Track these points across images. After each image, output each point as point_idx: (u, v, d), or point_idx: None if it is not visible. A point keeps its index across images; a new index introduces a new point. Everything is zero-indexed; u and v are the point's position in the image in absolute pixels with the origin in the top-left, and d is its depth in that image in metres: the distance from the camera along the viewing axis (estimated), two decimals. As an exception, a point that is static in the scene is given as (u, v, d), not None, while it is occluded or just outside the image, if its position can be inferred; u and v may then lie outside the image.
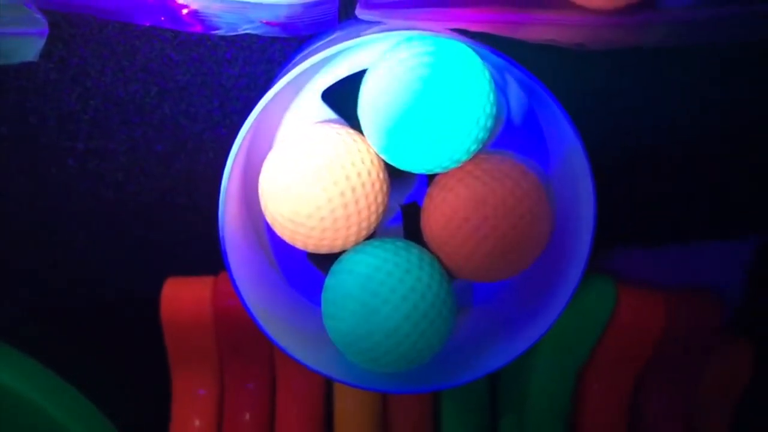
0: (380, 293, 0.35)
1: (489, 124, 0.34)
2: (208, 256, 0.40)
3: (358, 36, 0.35)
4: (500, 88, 0.38)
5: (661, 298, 0.43)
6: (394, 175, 0.38)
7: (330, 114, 0.39)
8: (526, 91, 0.38)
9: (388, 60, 0.35)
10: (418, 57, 0.34)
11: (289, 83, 0.35)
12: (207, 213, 0.41)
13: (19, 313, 0.47)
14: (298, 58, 0.37)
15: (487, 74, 0.35)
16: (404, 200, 0.40)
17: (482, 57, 0.35)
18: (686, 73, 0.44)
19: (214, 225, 0.36)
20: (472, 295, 0.41)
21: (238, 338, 0.43)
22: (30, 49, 0.39)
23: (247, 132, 0.35)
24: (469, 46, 0.34)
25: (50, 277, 0.47)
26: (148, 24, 0.37)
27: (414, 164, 0.35)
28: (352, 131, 0.36)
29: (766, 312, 0.47)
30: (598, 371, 0.44)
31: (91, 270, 0.47)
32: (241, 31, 0.38)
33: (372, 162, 0.36)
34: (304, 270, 0.42)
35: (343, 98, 0.38)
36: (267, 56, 0.43)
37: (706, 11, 0.38)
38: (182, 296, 0.43)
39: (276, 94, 0.35)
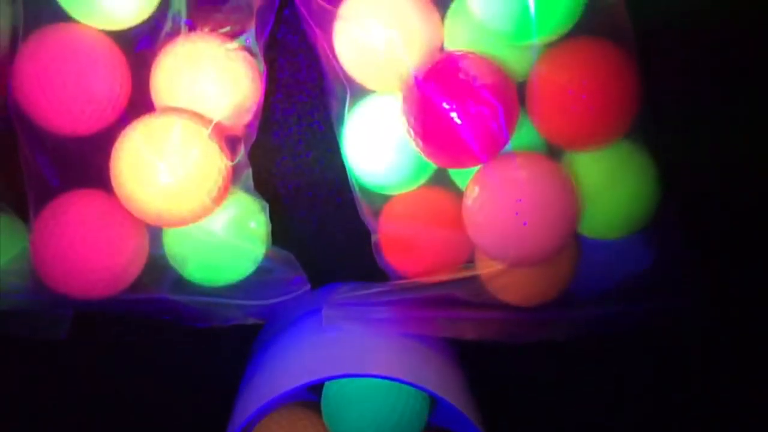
0: None
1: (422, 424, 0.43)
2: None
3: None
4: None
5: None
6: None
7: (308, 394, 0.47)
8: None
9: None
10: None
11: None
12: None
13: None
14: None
15: (422, 401, 0.43)
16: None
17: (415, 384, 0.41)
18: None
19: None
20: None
21: None
22: (58, 327, 0.45)
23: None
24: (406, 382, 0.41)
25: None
26: (156, 319, 0.45)
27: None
28: (317, 422, 0.44)
29: None
30: None
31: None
32: (230, 323, 0.46)
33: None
34: None
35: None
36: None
37: (614, 307, 0.45)
38: None
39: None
